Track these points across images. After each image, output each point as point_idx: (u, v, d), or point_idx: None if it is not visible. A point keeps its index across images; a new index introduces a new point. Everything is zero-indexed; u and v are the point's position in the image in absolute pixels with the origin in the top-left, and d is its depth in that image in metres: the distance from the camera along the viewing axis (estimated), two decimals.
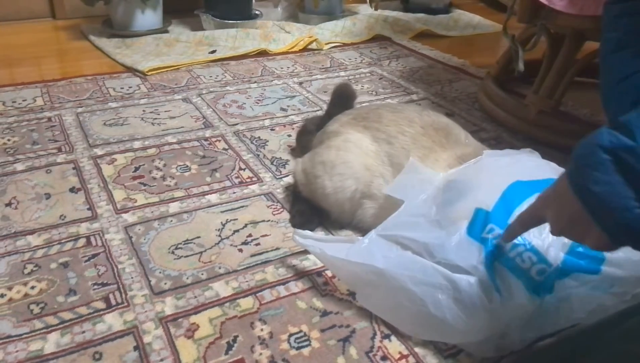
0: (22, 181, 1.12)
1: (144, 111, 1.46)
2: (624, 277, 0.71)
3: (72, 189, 1.09)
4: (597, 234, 0.52)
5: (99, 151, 1.24)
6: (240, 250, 0.94)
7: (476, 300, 0.69)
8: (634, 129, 0.48)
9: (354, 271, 0.77)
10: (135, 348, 0.74)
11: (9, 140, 1.28)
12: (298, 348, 0.75)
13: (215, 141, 1.31)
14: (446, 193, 0.80)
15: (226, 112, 1.48)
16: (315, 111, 1.50)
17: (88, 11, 2.18)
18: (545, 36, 1.35)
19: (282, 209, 1.05)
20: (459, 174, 0.82)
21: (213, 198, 1.08)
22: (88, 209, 1.03)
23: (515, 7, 1.36)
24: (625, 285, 0.72)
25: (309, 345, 0.75)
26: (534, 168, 0.79)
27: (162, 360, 0.72)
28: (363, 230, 0.92)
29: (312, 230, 0.96)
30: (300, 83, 1.70)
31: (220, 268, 0.89)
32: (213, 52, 1.90)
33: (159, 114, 1.44)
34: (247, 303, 0.82)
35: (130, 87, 1.62)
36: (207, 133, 1.35)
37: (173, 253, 0.92)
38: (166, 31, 2.10)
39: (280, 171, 1.19)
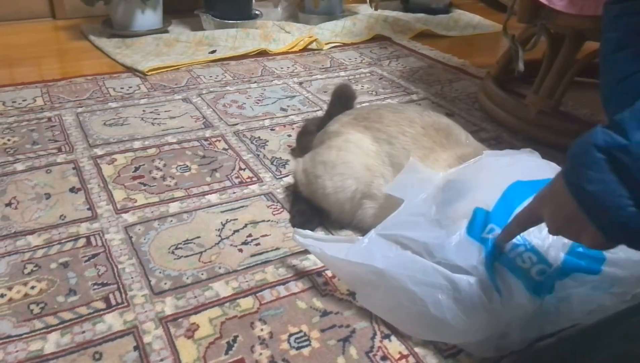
0: (22, 181, 1.12)
1: (144, 111, 1.46)
2: (624, 277, 0.71)
3: (72, 189, 1.09)
4: (593, 233, 0.53)
5: (99, 151, 1.24)
6: (240, 250, 0.94)
7: (476, 300, 0.69)
8: (627, 128, 0.48)
9: (354, 271, 0.77)
10: (135, 348, 0.74)
11: (9, 140, 1.28)
12: (298, 348, 0.75)
13: (215, 141, 1.31)
14: (446, 192, 0.80)
15: (226, 112, 1.48)
16: (315, 111, 1.50)
17: (88, 11, 2.18)
18: (545, 36, 1.35)
19: (282, 209, 1.05)
20: (458, 174, 0.82)
21: (213, 198, 1.08)
22: (88, 209, 1.03)
23: (515, 7, 1.36)
24: (625, 285, 0.72)
25: (309, 345, 0.75)
26: (534, 168, 0.79)
27: (162, 360, 0.72)
28: (363, 230, 0.92)
29: (312, 229, 0.96)
30: (300, 83, 1.70)
31: (220, 268, 0.89)
32: (213, 52, 1.90)
33: (159, 114, 1.44)
34: (247, 303, 0.82)
35: (130, 87, 1.62)
36: (207, 133, 1.35)
37: (173, 253, 0.92)
38: (166, 31, 2.10)
39: (280, 171, 1.19)
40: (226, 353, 0.74)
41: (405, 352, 0.75)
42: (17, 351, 0.73)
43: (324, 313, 0.81)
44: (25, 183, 1.11)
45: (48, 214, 1.01)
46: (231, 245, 0.95)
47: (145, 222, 1.00)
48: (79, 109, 1.46)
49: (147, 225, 0.99)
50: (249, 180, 1.15)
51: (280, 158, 1.25)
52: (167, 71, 1.75)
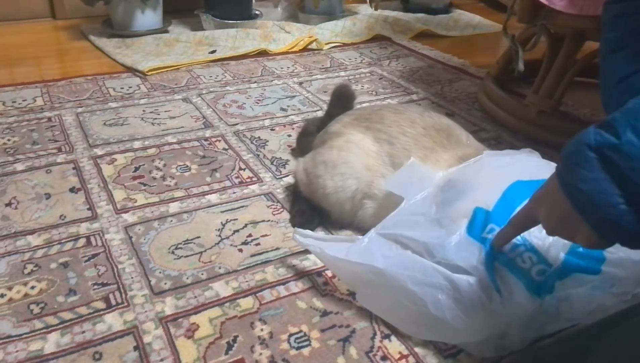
0: (22, 181, 1.12)
1: (144, 111, 1.46)
2: (624, 277, 0.71)
3: (72, 189, 1.09)
4: (587, 232, 0.53)
5: (99, 151, 1.24)
6: (240, 250, 0.94)
7: (476, 300, 0.69)
8: (619, 127, 0.49)
9: (354, 271, 0.77)
10: (135, 348, 0.74)
11: (9, 140, 1.28)
12: (298, 348, 0.75)
13: (215, 141, 1.31)
14: (446, 191, 0.80)
15: (226, 112, 1.48)
16: (315, 111, 1.50)
17: (88, 11, 2.18)
18: (545, 36, 1.35)
19: (282, 209, 1.05)
20: (458, 173, 0.82)
21: (213, 198, 1.08)
22: (88, 209, 1.03)
23: (515, 7, 1.36)
24: (625, 285, 0.71)
25: (309, 345, 0.75)
26: (534, 167, 0.79)
27: (162, 360, 0.72)
28: (364, 231, 0.92)
29: (312, 229, 0.96)
30: (300, 83, 1.70)
31: (220, 268, 0.89)
32: (213, 52, 1.90)
33: (159, 114, 1.44)
34: (247, 303, 0.82)
35: (130, 87, 1.62)
36: (207, 133, 1.35)
37: (173, 253, 0.92)
38: (166, 31, 2.10)
39: (280, 171, 1.19)
40: (226, 353, 0.74)
41: (405, 352, 0.75)
42: (17, 351, 0.73)
43: (324, 313, 0.81)
44: (25, 183, 1.11)
45: (48, 214, 1.01)
46: (231, 245, 0.95)
47: (145, 222, 1.00)
48: (79, 109, 1.46)
49: (147, 225, 0.99)
50: (249, 180, 1.15)
51: (280, 158, 1.25)
52: (167, 71, 1.75)
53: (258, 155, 1.25)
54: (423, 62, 1.95)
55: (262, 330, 0.78)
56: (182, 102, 1.52)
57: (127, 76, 1.71)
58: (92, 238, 0.95)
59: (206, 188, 1.11)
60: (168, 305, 0.81)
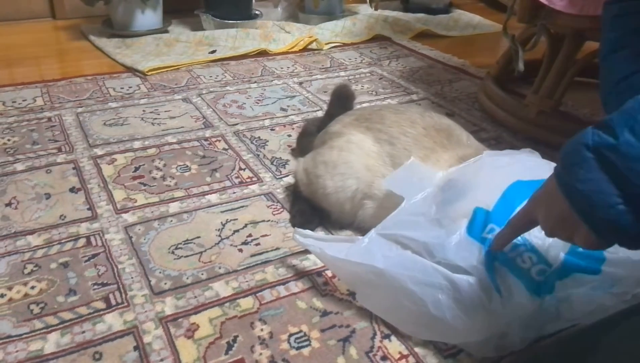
0: (22, 181, 1.12)
1: (144, 111, 1.46)
2: (624, 277, 0.71)
3: (72, 189, 1.09)
4: (585, 232, 0.53)
5: (99, 151, 1.24)
6: (240, 250, 0.94)
7: (476, 300, 0.69)
8: (616, 128, 0.49)
9: (354, 271, 0.77)
10: (135, 348, 0.74)
11: (9, 140, 1.28)
12: (298, 348, 0.75)
13: (215, 141, 1.31)
14: (446, 191, 0.80)
15: (226, 112, 1.48)
16: (315, 111, 1.50)
17: (88, 11, 2.17)
18: (545, 36, 1.35)
19: (282, 209, 1.05)
20: (458, 173, 0.82)
21: (213, 198, 1.08)
22: (88, 209, 1.03)
23: (515, 7, 1.36)
24: (625, 285, 0.71)
25: (309, 345, 0.75)
26: (534, 167, 0.79)
27: (162, 360, 0.72)
28: (364, 231, 0.92)
29: (312, 229, 0.96)
30: (300, 83, 1.70)
31: (220, 268, 0.89)
32: (213, 52, 1.90)
33: (159, 114, 1.44)
34: (247, 303, 0.82)
35: (130, 87, 1.62)
36: (207, 133, 1.35)
37: (173, 253, 0.92)
38: (166, 31, 2.10)
39: (280, 171, 1.19)
40: (226, 353, 0.74)
41: (405, 352, 0.75)
42: (17, 351, 0.73)
43: (324, 313, 0.81)
44: (25, 183, 1.11)
45: (48, 214, 1.01)
46: (231, 245, 0.95)
47: (145, 222, 1.00)
48: (79, 109, 1.46)
49: (147, 225, 0.99)
50: (249, 180, 1.15)
51: (280, 158, 1.25)
52: (167, 71, 1.75)
53: (258, 155, 1.25)
54: (423, 62, 1.95)
55: (262, 330, 0.78)
56: (182, 102, 1.52)
57: (127, 76, 1.71)
58: (92, 238, 0.95)
59: (206, 188, 1.11)
60: (168, 305, 0.81)
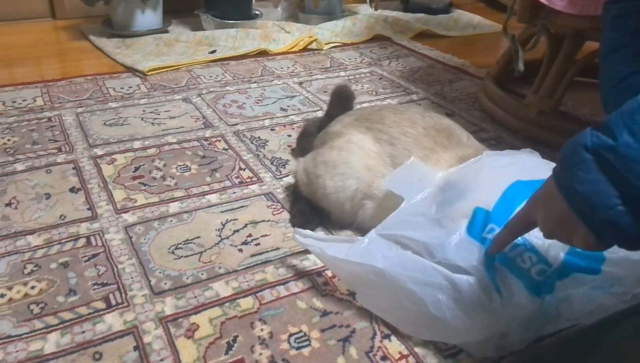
0: (22, 181, 1.12)
1: (144, 111, 1.46)
2: (624, 277, 0.71)
3: (72, 189, 1.09)
4: (584, 233, 0.53)
5: (99, 151, 1.24)
6: (240, 250, 0.94)
7: (476, 300, 0.69)
8: (615, 129, 0.49)
9: (354, 271, 0.77)
10: (135, 348, 0.74)
11: (9, 140, 1.28)
12: (298, 348, 0.75)
13: (215, 141, 1.31)
14: (446, 192, 0.80)
15: (226, 112, 1.48)
16: (315, 111, 1.50)
17: (88, 11, 2.17)
18: (545, 36, 1.35)
19: (282, 209, 1.05)
20: (458, 173, 0.82)
21: (213, 198, 1.08)
22: (88, 209, 1.03)
23: (515, 7, 1.36)
24: (625, 285, 0.71)
25: (309, 345, 0.75)
26: (534, 167, 0.79)
27: (162, 360, 0.72)
28: (364, 231, 0.92)
29: (312, 229, 0.96)
30: (300, 83, 1.70)
31: (220, 268, 0.89)
32: (213, 52, 1.90)
33: (159, 114, 1.44)
34: (247, 303, 0.82)
35: (130, 87, 1.62)
36: (207, 133, 1.35)
37: (173, 253, 0.92)
38: (166, 31, 2.10)
39: (280, 171, 1.19)
40: (226, 353, 0.74)
41: (405, 352, 0.75)
42: (17, 351, 0.73)
43: (324, 313, 0.81)
44: (25, 183, 1.11)
45: (48, 214, 1.01)
46: (231, 245, 0.95)
47: (145, 222, 1.00)
48: (79, 109, 1.46)
49: (147, 225, 0.99)
50: (249, 180, 1.15)
51: (280, 158, 1.25)
52: (167, 71, 1.75)
53: (258, 155, 1.25)
54: (423, 62, 1.95)
55: (262, 330, 0.78)
56: (182, 102, 1.52)
57: (127, 76, 1.71)
58: (92, 238, 0.95)
59: (206, 188, 1.11)
60: (168, 305, 0.81)
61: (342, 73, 1.81)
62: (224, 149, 1.27)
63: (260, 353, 0.74)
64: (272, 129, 1.38)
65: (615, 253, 0.70)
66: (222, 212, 1.04)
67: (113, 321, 0.78)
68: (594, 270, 0.70)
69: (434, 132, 0.92)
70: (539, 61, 1.44)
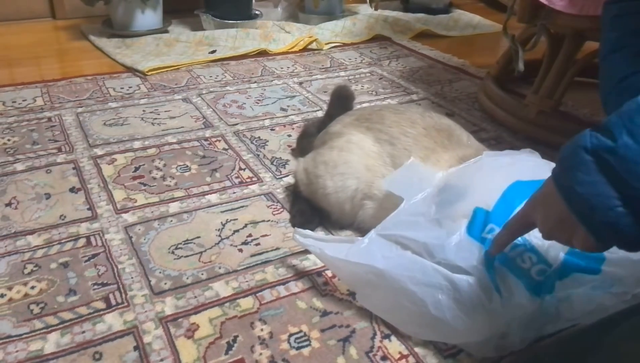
0: (22, 181, 1.12)
1: (144, 111, 1.46)
2: (624, 277, 0.71)
3: (72, 189, 1.09)
4: (584, 235, 0.53)
5: (99, 151, 1.24)
6: (240, 250, 0.94)
7: (476, 301, 0.69)
8: (614, 130, 0.49)
9: (354, 271, 0.77)
10: (135, 348, 0.74)
11: (9, 140, 1.28)
12: (298, 348, 0.75)
13: (215, 141, 1.31)
14: (446, 192, 0.80)
15: (226, 112, 1.48)
16: (315, 111, 1.50)
17: (88, 11, 2.18)
18: (545, 36, 1.35)
19: (282, 209, 1.05)
20: (458, 174, 0.82)
21: (213, 198, 1.08)
22: (88, 209, 1.03)
23: (515, 7, 1.36)
24: (625, 285, 0.71)
25: (309, 345, 0.75)
26: (534, 168, 0.79)
27: (162, 360, 0.72)
28: (364, 231, 0.92)
29: (312, 229, 0.96)
30: (300, 83, 1.70)
31: (220, 268, 0.89)
32: (213, 52, 1.90)
33: (159, 114, 1.44)
34: (247, 303, 0.82)
35: (130, 87, 1.62)
36: (207, 133, 1.35)
37: (173, 253, 0.92)
38: (166, 31, 2.10)
39: (280, 171, 1.19)
40: (226, 353, 0.74)
41: (405, 352, 0.75)
42: (17, 351, 0.73)
43: (324, 313, 0.81)
44: (25, 183, 1.11)
45: (48, 214, 1.01)
46: (231, 245, 0.95)
47: (145, 222, 1.00)
48: (79, 109, 1.46)
49: (147, 225, 0.99)
50: (249, 180, 1.15)
51: (280, 158, 1.25)
52: (167, 71, 1.75)
53: (258, 155, 1.25)
54: (423, 62, 1.95)
55: (262, 330, 0.78)
56: (182, 102, 1.52)
57: (127, 76, 1.71)
58: (92, 238, 0.95)
59: (206, 188, 1.11)
60: (168, 305, 0.81)
61: (342, 73, 1.81)
62: (224, 149, 1.27)
63: (260, 353, 0.74)
64: (272, 129, 1.38)
65: (615, 253, 0.70)
66: (222, 212, 1.04)
67: (113, 321, 0.78)
68: (594, 270, 0.70)
69: (434, 132, 0.92)
70: (539, 61, 1.44)
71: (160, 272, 0.88)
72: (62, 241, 0.94)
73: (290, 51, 2.00)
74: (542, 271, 0.70)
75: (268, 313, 0.80)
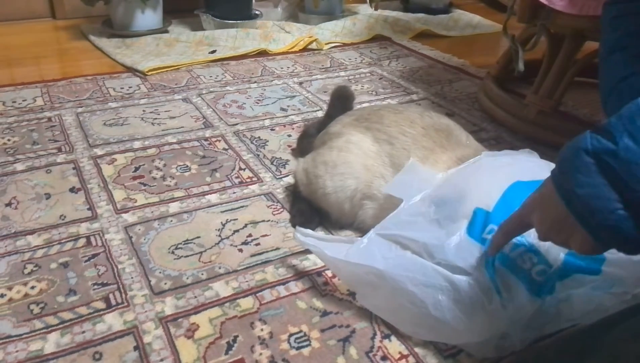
0: (22, 181, 1.12)
1: (144, 111, 1.46)
2: (624, 277, 0.71)
3: (72, 189, 1.09)
4: (582, 237, 0.53)
5: (99, 151, 1.24)
6: (240, 250, 0.94)
7: (476, 302, 0.69)
8: (615, 133, 0.49)
9: (354, 271, 0.77)
10: (135, 348, 0.74)
11: (9, 140, 1.28)
12: (298, 348, 0.75)
13: (215, 141, 1.31)
14: (445, 192, 0.80)
15: (226, 112, 1.48)
16: (315, 111, 1.50)
17: (88, 11, 2.18)
18: (545, 36, 1.35)
19: (282, 209, 1.05)
20: (458, 174, 0.82)
21: (213, 198, 1.08)
22: (88, 209, 1.03)
23: (515, 7, 1.36)
24: (625, 285, 0.71)
25: (309, 345, 0.75)
26: (534, 168, 0.79)
27: (162, 360, 0.72)
28: (364, 231, 0.92)
29: (312, 229, 0.96)
30: (300, 83, 1.70)
31: (220, 268, 0.89)
32: (213, 52, 1.90)
33: (159, 114, 1.44)
34: (247, 303, 0.82)
35: (130, 87, 1.62)
36: (207, 133, 1.35)
37: (173, 253, 0.92)
38: (166, 31, 2.10)
39: (280, 171, 1.19)
40: (226, 353, 0.74)
41: (405, 352, 0.75)
42: (17, 351, 0.73)
43: (324, 313, 0.81)
44: (25, 183, 1.11)
45: (48, 214, 1.01)
46: (231, 245, 0.95)
47: (145, 222, 1.00)
48: (79, 109, 1.46)
49: (147, 225, 0.99)
50: (249, 180, 1.15)
51: (280, 158, 1.25)
52: (167, 71, 1.75)
53: (258, 155, 1.25)
54: (423, 62, 1.95)
55: (262, 330, 0.78)
56: (182, 102, 1.52)
57: (127, 76, 1.71)
58: (92, 238, 0.95)
59: (206, 188, 1.11)
60: (168, 305, 0.81)
61: (342, 73, 1.81)
62: (224, 149, 1.27)
63: (260, 353, 0.74)
64: (272, 129, 1.38)
65: (615, 253, 0.70)
66: (222, 212, 1.04)
67: (113, 321, 0.78)
68: (594, 270, 0.70)
69: (432, 132, 0.92)
70: (539, 61, 1.44)
71: (160, 272, 0.88)
72: (62, 241, 0.94)
73: (290, 51, 2.00)
74: (542, 271, 0.70)
75: (268, 313, 0.80)
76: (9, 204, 1.04)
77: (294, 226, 0.99)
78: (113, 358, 0.73)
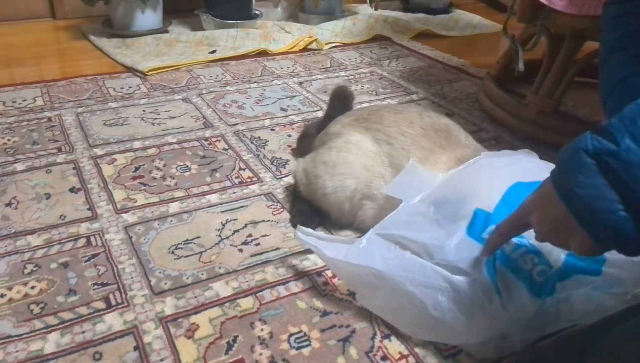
0: (22, 181, 1.12)
1: (144, 111, 1.46)
2: (624, 277, 0.71)
3: (72, 189, 1.09)
4: (582, 237, 0.53)
5: (99, 151, 1.24)
6: (240, 250, 0.94)
7: (476, 302, 0.69)
8: (616, 134, 0.49)
9: (354, 272, 0.77)
10: (135, 348, 0.74)
11: (9, 140, 1.28)
12: (298, 348, 0.75)
13: (215, 141, 1.31)
14: (445, 192, 0.80)
15: (226, 112, 1.48)
16: (315, 111, 1.50)
17: (88, 11, 2.18)
18: (545, 36, 1.35)
19: (282, 209, 1.05)
20: (458, 175, 0.82)
21: (213, 198, 1.08)
22: (88, 209, 1.03)
23: (515, 7, 1.36)
24: (625, 285, 0.71)
25: (309, 345, 0.75)
26: (534, 168, 0.79)
27: (162, 360, 0.72)
28: (364, 231, 0.92)
29: (312, 229, 0.96)
30: (300, 83, 1.70)
31: (220, 268, 0.89)
32: (213, 52, 1.90)
33: (159, 114, 1.44)
34: (247, 303, 0.82)
35: (130, 87, 1.62)
36: (207, 133, 1.35)
37: (173, 253, 0.92)
38: (166, 31, 2.10)
39: (280, 171, 1.19)
40: (226, 353, 0.74)
41: (405, 352, 0.75)
42: (17, 351, 0.73)
43: (324, 313, 0.81)
44: (25, 183, 1.11)
45: (48, 214, 1.01)
46: (231, 245, 0.95)
47: (145, 222, 1.00)
48: (79, 109, 1.46)
49: (147, 225, 0.99)
50: (249, 180, 1.15)
51: (280, 158, 1.25)
52: (167, 71, 1.75)
53: (258, 155, 1.25)
54: (423, 62, 1.95)
55: (262, 330, 0.78)
56: (182, 102, 1.52)
57: (127, 76, 1.71)
58: (92, 238, 0.95)
59: (206, 188, 1.11)
60: (168, 305, 0.81)
61: (342, 73, 1.81)
62: (224, 149, 1.27)
63: (260, 353, 0.74)
64: (272, 129, 1.38)
65: (615, 254, 0.70)
66: (222, 212, 1.04)
67: (113, 321, 0.78)
68: (595, 271, 0.70)
69: (432, 132, 0.92)
70: (539, 61, 1.44)
71: (160, 272, 0.88)
72: (62, 241, 0.94)
73: (290, 51, 2.00)
74: (543, 272, 0.70)
75: (268, 313, 0.80)
76: (9, 204, 1.04)
77: (294, 226, 0.99)
78: (113, 358, 0.73)
